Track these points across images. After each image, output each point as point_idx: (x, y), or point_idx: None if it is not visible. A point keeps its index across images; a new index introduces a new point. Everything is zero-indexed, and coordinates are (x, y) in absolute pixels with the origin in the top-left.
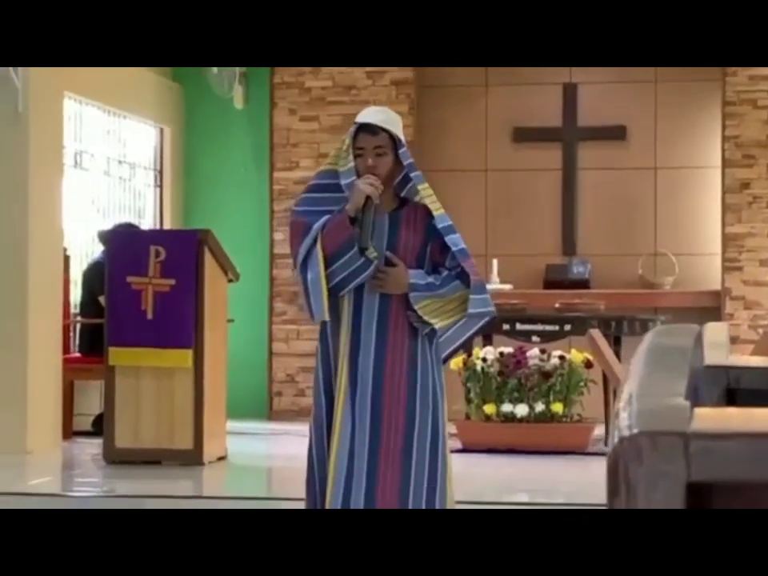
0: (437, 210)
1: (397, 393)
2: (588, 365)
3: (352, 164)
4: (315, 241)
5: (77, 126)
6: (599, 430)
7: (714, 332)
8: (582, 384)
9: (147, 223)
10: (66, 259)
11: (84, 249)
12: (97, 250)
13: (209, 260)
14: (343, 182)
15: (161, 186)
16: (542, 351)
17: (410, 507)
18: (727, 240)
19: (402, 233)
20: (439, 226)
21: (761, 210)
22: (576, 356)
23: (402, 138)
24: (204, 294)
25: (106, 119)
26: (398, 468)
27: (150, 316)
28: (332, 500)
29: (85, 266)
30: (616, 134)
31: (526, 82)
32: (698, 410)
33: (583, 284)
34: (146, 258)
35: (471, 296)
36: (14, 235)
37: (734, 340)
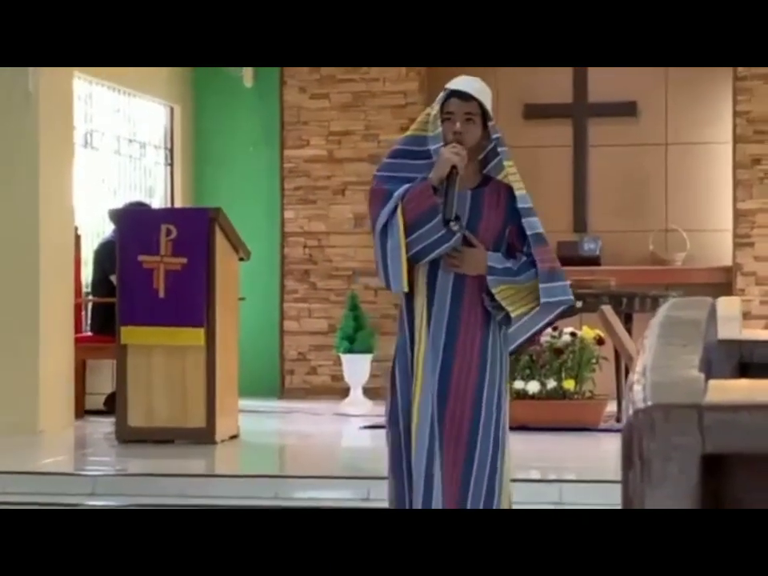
0: (519, 190)
1: (465, 376)
2: (599, 341)
3: (440, 129)
4: (396, 209)
5: (87, 106)
6: (611, 407)
7: (727, 306)
8: (593, 361)
9: (158, 202)
10: (77, 238)
11: (95, 228)
12: (108, 228)
13: (220, 238)
14: (432, 146)
15: (171, 165)
16: (554, 328)
17: (470, 503)
18: (738, 216)
19: (484, 212)
20: (520, 206)
21: None
22: (587, 333)
23: (491, 112)
24: (215, 273)
25: (116, 98)
26: (462, 459)
27: (161, 294)
28: (416, 490)
29: (96, 245)
30: (626, 110)
31: None
32: (712, 382)
33: (594, 261)
34: (157, 237)
35: (540, 285)
36: (25, 215)
37: (745, 315)
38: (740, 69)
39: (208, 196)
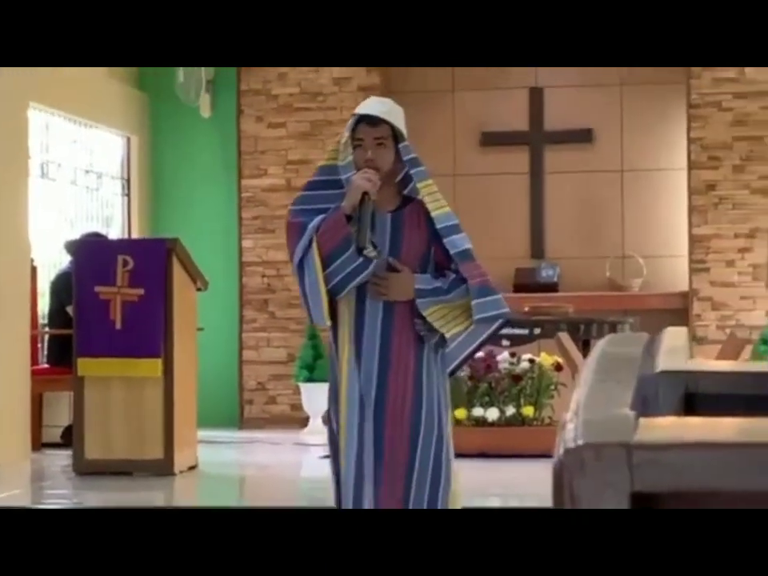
0: (437, 209)
1: (401, 408)
2: (558, 368)
3: (351, 157)
4: (311, 242)
5: (43, 136)
6: None
7: (674, 337)
8: (552, 387)
9: (115, 232)
10: (33, 270)
11: (51, 259)
12: (65, 260)
13: (177, 269)
14: (343, 176)
15: (128, 195)
16: (512, 355)
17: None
18: (694, 241)
19: (405, 233)
20: (438, 226)
21: (726, 211)
22: (546, 359)
23: (405, 131)
24: (173, 303)
25: (72, 129)
26: (401, 484)
27: (118, 326)
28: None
29: (53, 277)
30: (582, 137)
31: (492, 87)
32: (643, 420)
33: (552, 287)
34: (113, 268)
35: (473, 301)
36: None
37: (701, 341)
38: (693, 96)
39: (165, 226)
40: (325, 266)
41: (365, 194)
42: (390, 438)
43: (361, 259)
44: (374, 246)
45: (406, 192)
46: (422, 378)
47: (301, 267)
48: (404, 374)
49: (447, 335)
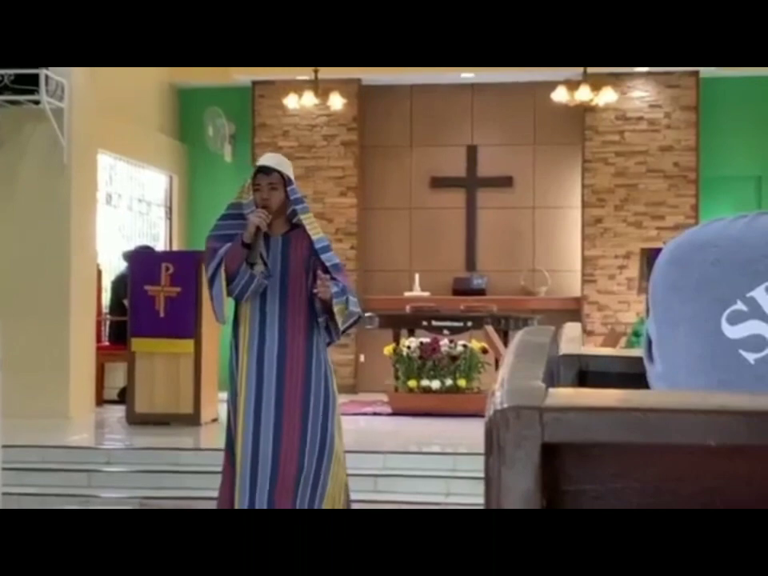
0: (315, 234)
1: (296, 375)
2: (484, 351)
3: (251, 197)
4: (220, 264)
5: (108, 174)
6: None
7: (571, 330)
8: (479, 365)
9: (160, 246)
10: (99, 272)
11: (112, 264)
12: (122, 265)
13: (205, 273)
14: (245, 211)
15: (170, 219)
16: (451, 341)
17: (303, 474)
18: (585, 260)
19: (291, 250)
20: (316, 246)
21: (609, 238)
22: (475, 345)
23: (292, 177)
24: (202, 298)
25: (129, 169)
26: (297, 437)
27: (161, 314)
28: (241, 476)
29: (113, 278)
30: (505, 182)
31: (439, 144)
32: (551, 390)
33: (481, 292)
34: (158, 272)
35: (350, 297)
36: (60, 255)
37: (590, 333)
38: (587, 153)
39: (197, 242)
40: (230, 281)
41: (257, 228)
42: (287, 398)
43: (249, 273)
44: (265, 264)
45: (294, 221)
46: (311, 353)
47: (212, 281)
48: (297, 351)
49: (341, 326)
